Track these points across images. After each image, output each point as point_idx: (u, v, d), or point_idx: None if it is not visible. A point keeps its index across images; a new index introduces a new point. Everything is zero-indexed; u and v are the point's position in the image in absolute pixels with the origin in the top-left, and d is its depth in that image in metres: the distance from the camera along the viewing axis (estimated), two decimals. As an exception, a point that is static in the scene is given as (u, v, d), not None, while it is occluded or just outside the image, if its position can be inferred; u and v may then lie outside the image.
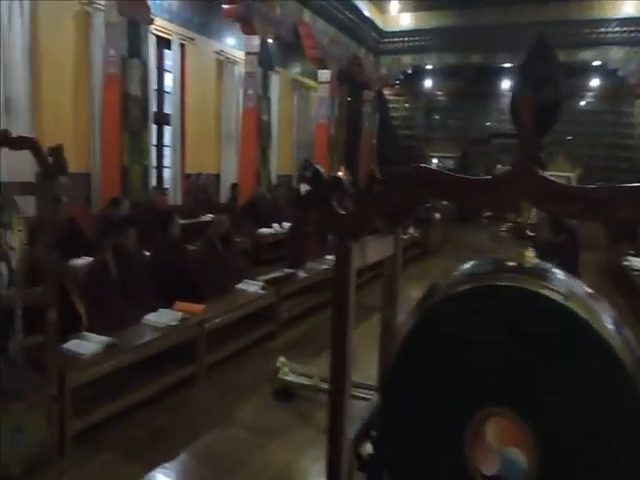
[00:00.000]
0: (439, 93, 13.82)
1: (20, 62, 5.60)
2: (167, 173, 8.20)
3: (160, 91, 7.85)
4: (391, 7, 10.46)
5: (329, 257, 6.03)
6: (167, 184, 8.17)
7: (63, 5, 6.11)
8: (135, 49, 5.65)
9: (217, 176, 9.21)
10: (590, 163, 11.85)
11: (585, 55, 10.20)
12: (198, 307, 3.75)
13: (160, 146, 8.07)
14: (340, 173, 12.15)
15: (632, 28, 9.33)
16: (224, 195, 9.17)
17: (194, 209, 7.76)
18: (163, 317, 3.46)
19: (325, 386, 3.47)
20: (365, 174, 12.96)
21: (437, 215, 9.75)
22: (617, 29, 9.49)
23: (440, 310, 1.38)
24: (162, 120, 7.90)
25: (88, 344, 2.91)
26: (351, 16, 9.81)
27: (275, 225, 7.88)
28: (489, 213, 13.60)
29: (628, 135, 12.07)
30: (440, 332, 1.34)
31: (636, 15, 9.21)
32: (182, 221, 7.06)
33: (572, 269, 4.33)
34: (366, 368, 4.21)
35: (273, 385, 3.59)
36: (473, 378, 1.29)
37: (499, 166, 13.35)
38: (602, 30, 9.62)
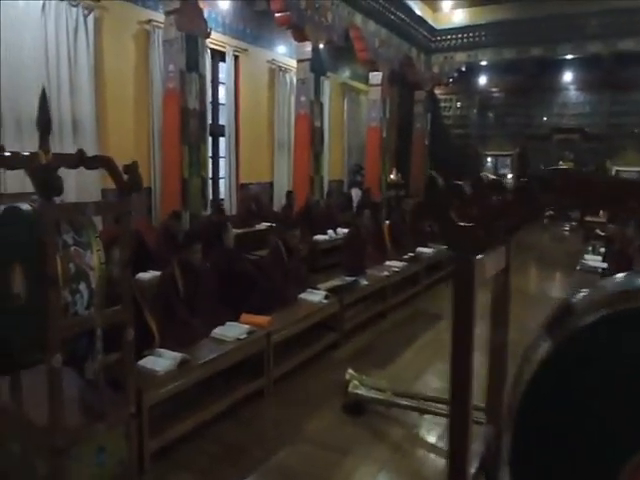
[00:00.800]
0: (494, 89, 13.32)
1: (86, 83, 5.82)
2: (222, 184, 8.32)
3: (215, 103, 7.98)
4: (443, 4, 10.19)
5: (388, 263, 5.89)
6: (222, 195, 8.30)
7: (124, 26, 6.33)
8: (193, 63, 5.75)
9: (270, 184, 9.27)
10: (664, 156, 11.07)
11: (658, 42, 9.53)
12: (264, 319, 3.70)
13: (215, 157, 8.19)
14: (392, 176, 11.98)
15: None
16: (278, 203, 9.21)
17: (247, 219, 7.84)
18: (231, 331, 3.44)
19: (398, 401, 3.35)
20: (414, 176, 12.69)
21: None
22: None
23: (586, 335, 1.20)
24: (217, 132, 8.02)
25: (162, 361, 2.91)
26: (402, 16, 9.63)
27: (330, 231, 7.81)
28: (551, 213, 12.97)
29: None
30: (588, 361, 1.17)
31: None
32: (237, 231, 7.17)
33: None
34: (433, 378, 4.06)
35: (343, 398, 3.50)
36: (630, 416, 1.12)
37: (561, 163, 12.72)
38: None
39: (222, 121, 8.06)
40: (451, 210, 1.41)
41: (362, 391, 3.46)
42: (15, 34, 5.17)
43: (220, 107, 8.13)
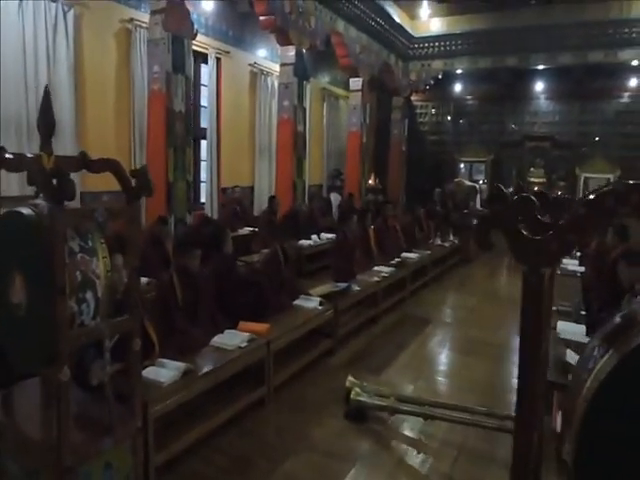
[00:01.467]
0: (468, 97, 13.58)
1: (65, 82, 5.62)
2: (203, 187, 8.17)
3: (196, 105, 7.84)
4: (421, 12, 10.34)
5: (377, 268, 5.90)
6: (203, 199, 8.15)
7: (105, 24, 6.15)
8: (179, 64, 5.61)
9: (251, 188, 9.17)
10: (630, 164, 11.52)
11: (625, 55, 9.92)
12: (263, 327, 3.64)
13: (196, 161, 8.04)
14: (370, 181, 12.04)
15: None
16: (258, 207, 9.12)
17: (230, 223, 7.70)
18: (231, 339, 3.36)
19: (402, 407, 3.33)
20: (390, 183, 12.80)
21: (475, 221, 9.51)
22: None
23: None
24: (198, 134, 7.88)
25: (165, 371, 2.81)
26: (382, 23, 9.71)
27: (314, 236, 7.77)
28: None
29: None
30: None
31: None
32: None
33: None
34: (428, 383, 4.07)
35: (344, 405, 3.48)
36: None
37: (532, 169, 13.09)
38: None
39: (204, 124, 7.93)
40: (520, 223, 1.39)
41: (364, 398, 3.44)
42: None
43: (201, 110, 7.99)
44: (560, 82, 12.01)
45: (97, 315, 2.30)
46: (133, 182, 2.40)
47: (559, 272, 6.38)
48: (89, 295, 2.26)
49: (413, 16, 10.87)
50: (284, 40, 7.51)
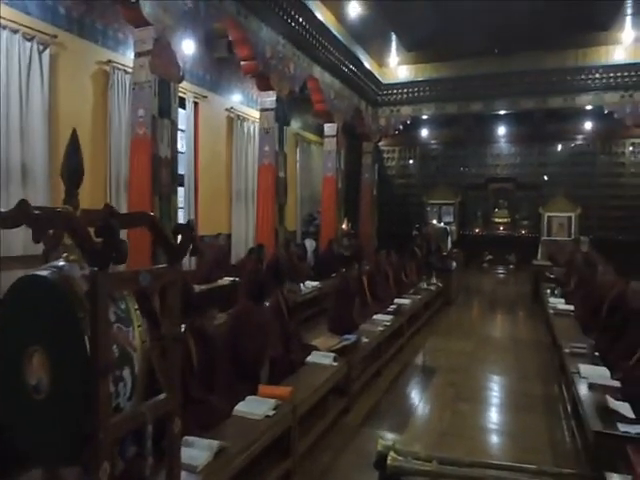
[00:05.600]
0: (433, 141, 14.02)
1: (39, 126, 5.24)
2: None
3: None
4: (390, 60, 10.65)
5: (376, 317, 5.67)
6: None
7: (81, 65, 5.86)
8: (165, 108, 5.34)
9: (228, 236, 8.83)
10: (588, 203, 12.11)
11: (582, 100, 10.58)
12: (285, 390, 3.28)
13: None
14: (343, 225, 11.97)
15: (626, 74, 9.79)
16: (235, 256, 8.76)
17: (211, 273, 7.30)
18: (256, 407, 2.98)
19: (450, 471, 3.03)
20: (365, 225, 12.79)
21: (454, 263, 9.57)
22: (612, 75, 9.91)
23: None
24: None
25: (196, 452, 2.41)
26: (354, 69, 9.90)
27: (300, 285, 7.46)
28: (489, 257, 13.60)
29: (619, 174, 12.48)
30: None
31: (630, 61, 9.70)
32: (200, 287, 6.59)
33: None
34: (458, 441, 3.78)
35: (374, 471, 3.14)
36: None
37: (496, 210, 13.49)
38: (597, 76, 10.04)
39: (181, 170, 7.61)
40: None
41: (403, 463, 3.12)
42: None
43: (180, 155, 7.70)
44: (520, 126, 12.65)
45: (133, 395, 1.94)
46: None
47: (551, 311, 6.40)
48: (126, 372, 1.90)
49: (382, 64, 11.19)
50: (264, 85, 7.43)
